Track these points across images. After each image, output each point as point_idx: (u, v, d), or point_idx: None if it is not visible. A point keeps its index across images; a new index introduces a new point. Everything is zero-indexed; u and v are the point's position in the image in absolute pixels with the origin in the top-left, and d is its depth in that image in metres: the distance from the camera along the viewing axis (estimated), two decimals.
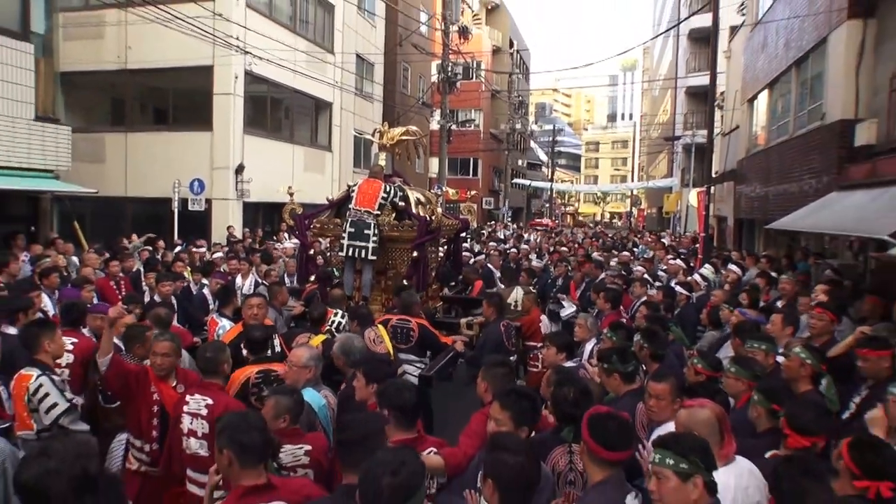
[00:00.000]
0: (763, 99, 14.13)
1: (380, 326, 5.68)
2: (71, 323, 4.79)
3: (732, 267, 9.03)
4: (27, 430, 3.69)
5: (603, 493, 2.47)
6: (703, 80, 24.02)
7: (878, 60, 8.52)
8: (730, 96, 19.23)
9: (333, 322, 5.66)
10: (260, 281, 8.57)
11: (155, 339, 4.00)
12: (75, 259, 9.26)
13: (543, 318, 7.40)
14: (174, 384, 3.94)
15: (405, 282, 7.02)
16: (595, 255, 12.06)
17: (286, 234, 14.23)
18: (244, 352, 4.68)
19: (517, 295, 7.33)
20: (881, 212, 6.25)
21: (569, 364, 4.68)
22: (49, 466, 1.82)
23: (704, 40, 25.21)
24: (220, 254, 10.40)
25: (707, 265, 10.47)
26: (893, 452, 2.54)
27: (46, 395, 3.69)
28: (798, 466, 2.28)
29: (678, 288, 7.74)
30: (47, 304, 6.19)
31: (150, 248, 10.88)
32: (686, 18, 26.55)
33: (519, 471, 2.20)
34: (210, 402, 3.50)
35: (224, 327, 5.73)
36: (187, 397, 3.58)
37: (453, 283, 9.18)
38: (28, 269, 7.84)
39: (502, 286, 9.30)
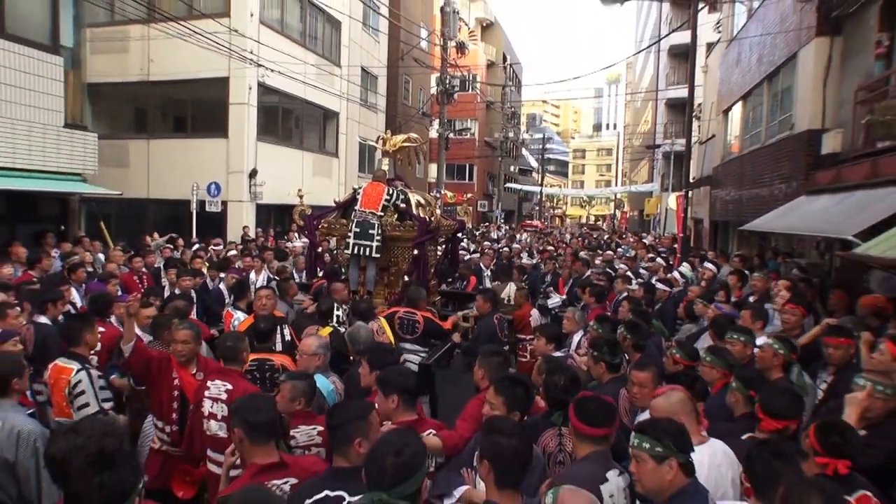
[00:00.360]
0: (737, 110, 14.14)
1: (382, 319, 5.70)
2: (97, 312, 4.79)
3: (708, 265, 9.03)
4: (66, 418, 3.69)
5: (585, 466, 2.49)
6: (681, 92, 24.06)
7: (844, 75, 8.54)
8: (706, 108, 19.25)
9: (336, 316, 5.69)
10: (272, 276, 8.57)
11: (175, 328, 4.01)
12: (101, 256, 9.26)
13: (534, 312, 7.41)
14: (194, 371, 3.94)
15: (406, 277, 7.03)
16: (582, 254, 12.07)
17: (296, 234, 14.23)
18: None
19: (510, 290, 7.35)
20: (845, 214, 6.26)
21: (557, 354, 4.70)
22: (76, 443, 1.83)
23: (683, 56, 25.23)
24: (234, 251, 10.39)
25: (685, 263, 10.49)
26: (856, 435, 2.57)
27: (82, 392, 3.70)
28: (770, 449, 2.28)
29: (659, 284, 7.75)
30: (75, 296, 6.19)
31: (171, 246, 10.86)
32: (666, 35, 26.57)
33: (513, 452, 2.20)
34: (230, 387, 3.52)
35: (238, 319, 5.73)
36: (208, 382, 3.59)
37: (450, 280, 9.20)
38: (58, 264, 7.84)
39: (489, 283, 9.35)
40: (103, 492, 1.69)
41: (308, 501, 2.25)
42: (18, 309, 4.58)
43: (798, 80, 9.61)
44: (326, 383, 3.65)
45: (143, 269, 8.06)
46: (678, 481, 2.14)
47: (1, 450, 2.75)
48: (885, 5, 7.42)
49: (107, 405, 3.88)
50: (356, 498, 2.10)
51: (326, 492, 2.26)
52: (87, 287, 6.58)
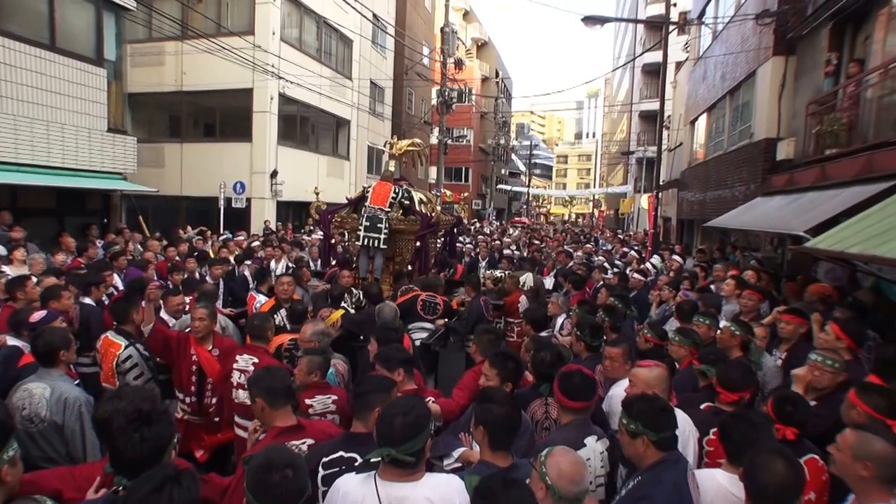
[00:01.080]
0: (702, 121, 14.11)
1: (391, 304, 5.68)
2: (135, 295, 4.76)
3: (675, 257, 9.04)
4: (110, 385, 3.68)
5: (566, 433, 2.49)
6: (653, 105, 23.98)
7: (797, 90, 8.52)
8: (675, 119, 19.20)
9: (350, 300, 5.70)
10: (290, 265, 8.54)
11: (194, 307, 3.99)
12: (139, 246, 9.21)
13: (522, 297, 7.39)
14: (210, 347, 3.90)
15: (409, 266, 7.00)
16: (565, 247, 12.05)
17: (312, 227, 14.19)
18: (277, 319, 4.71)
19: (528, 279, 7.22)
20: (797, 213, 6.26)
21: (543, 334, 4.70)
22: (118, 406, 1.84)
23: (655, 73, 25.13)
24: (257, 243, 10.34)
25: (656, 256, 10.48)
26: (806, 406, 2.57)
27: (135, 365, 3.73)
28: (743, 420, 2.25)
29: (634, 274, 7.74)
30: (117, 281, 6.15)
31: (201, 237, 10.81)
32: (640, 55, 26.44)
33: (504, 418, 2.20)
34: (256, 360, 3.53)
35: (260, 301, 5.74)
36: (237, 356, 3.58)
37: (449, 269, 9.15)
38: (101, 253, 7.79)
39: (484, 271, 9.31)
40: (144, 444, 1.73)
41: (325, 459, 2.25)
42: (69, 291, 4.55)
43: (757, 95, 9.58)
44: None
45: (176, 258, 8.01)
46: (651, 454, 2.12)
47: (51, 413, 2.74)
48: (834, 28, 7.39)
49: (160, 377, 3.90)
50: (348, 455, 2.12)
51: (341, 452, 2.25)
52: (127, 273, 6.54)
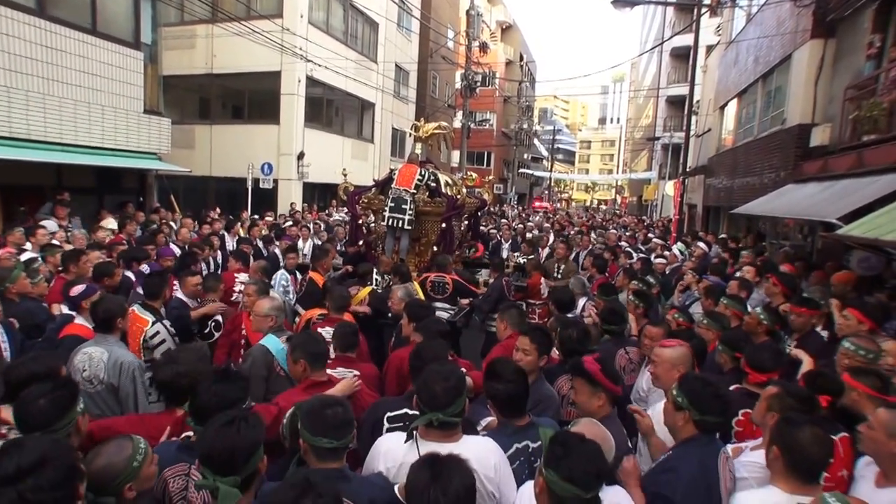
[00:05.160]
0: (732, 106, 13.76)
1: (416, 283, 5.78)
2: (179, 271, 4.95)
3: (700, 244, 8.94)
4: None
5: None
6: (681, 90, 23.43)
7: (835, 74, 8.25)
8: (704, 104, 18.72)
9: (375, 279, 5.85)
10: (317, 244, 8.71)
11: (246, 284, 4.16)
12: (174, 224, 9.47)
13: (543, 280, 7.43)
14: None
15: (434, 248, 7.08)
16: (593, 235, 12.01)
17: (336, 209, 14.35)
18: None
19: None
20: (830, 200, 6.12)
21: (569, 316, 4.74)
22: (178, 370, 1.98)
23: (684, 56, 24.46)
24: (289, 222, 10.56)
25: (679, 243, 10.37)
26: (826, 379, 2.60)
27: (163, 341, 3.74)
28: (800, 421, 2.02)
29: (659, 259, 7.71)
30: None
31: (231, 217, 11.05)
32: (669, 38, 25.68)
33: (507, 394, 2.29)
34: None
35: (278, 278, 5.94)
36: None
37: (470, 248, 9.20)
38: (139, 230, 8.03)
39: (506, 254, 9.38)
40: (219, 399, 1.94)
41: (390, 414, 2.37)
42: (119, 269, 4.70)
43: (791, 79, 9.30)
44: (277, 343, 3.46)
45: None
46: (687, 430, 2.16)
47: (108, 376, 2.91)
48: (879, 9, 7.12)
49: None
50: (413, 412, 2.22)
51: (406, 409, 2.36)
52: (162, 251, 6.73)
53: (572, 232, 12.19)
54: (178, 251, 6.56)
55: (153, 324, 3.75)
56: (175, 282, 4.48)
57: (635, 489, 2.04)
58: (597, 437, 1.88)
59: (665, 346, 2.85)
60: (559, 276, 7.36)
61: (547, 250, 9.04)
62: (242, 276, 5.32)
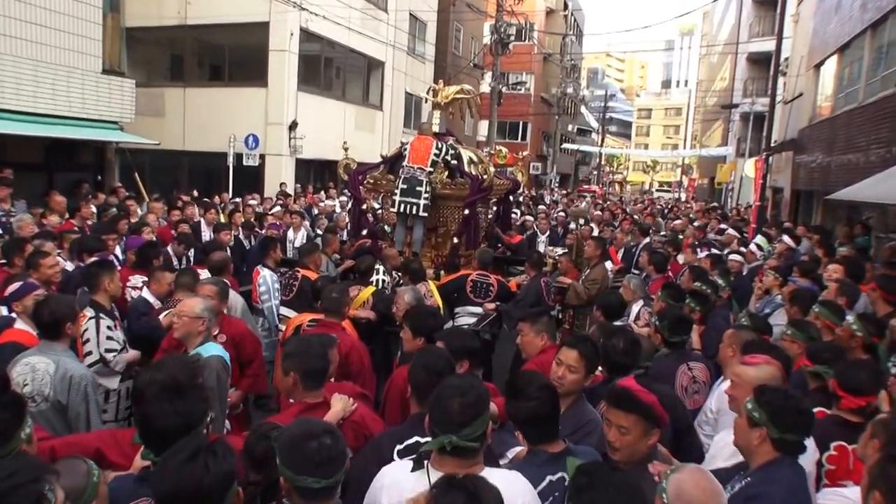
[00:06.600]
0: (831, 65, 13.45)
1: (431, 283, 5.79)
2: (142, 264, 5.04)
3: (785, 238, 8.77)
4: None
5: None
6: (766, 45, 22.90)
7: None
8: (794, 62, 18.31)
9: (376, 279, 5.79)
10: (311, 235, 8.77)
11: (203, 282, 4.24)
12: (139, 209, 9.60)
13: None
14: (216, 332, 3.88)
15: (454, 239, 7.06)
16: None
17: (334, 191, 14.39)
18: None
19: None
20: None
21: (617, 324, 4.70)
22: (155, 377, 2.04)
23: (770, 3, 23.92)
24: (278, 208, 10.65)
25: (760, 236, 10.18)
26: None
27: (87, 341, 3.78)
28: None
29: (732, 256, 7.59)
30: (116, 249, 6.48)
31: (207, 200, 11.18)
32: None
33: (533, 414, 2.29)
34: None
35: (265, 276, 5.91)
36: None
37: (499, 245, 9.18)
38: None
39: (543, 248, 9.32)
40: (176, 417, 1.92)
41: (399, 447, 2.39)
42: (59, 258, 4.76)
43: None
44: (224, 353, 3.56)
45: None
46: (765, 451, 2.19)
47: (55, 392, 2.96)
48: None
49: (109, 356, 3.87)
50: (425, 440, 2.20)
51: (417, 438, 2.38)
52: (127, 241, 6.83)
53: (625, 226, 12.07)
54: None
55: (88, 319, 3.77)
56: (131, 278, 4.54)
57: None
58: (706, 494, 1.76)
59: (748, 364, 2.80)
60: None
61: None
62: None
